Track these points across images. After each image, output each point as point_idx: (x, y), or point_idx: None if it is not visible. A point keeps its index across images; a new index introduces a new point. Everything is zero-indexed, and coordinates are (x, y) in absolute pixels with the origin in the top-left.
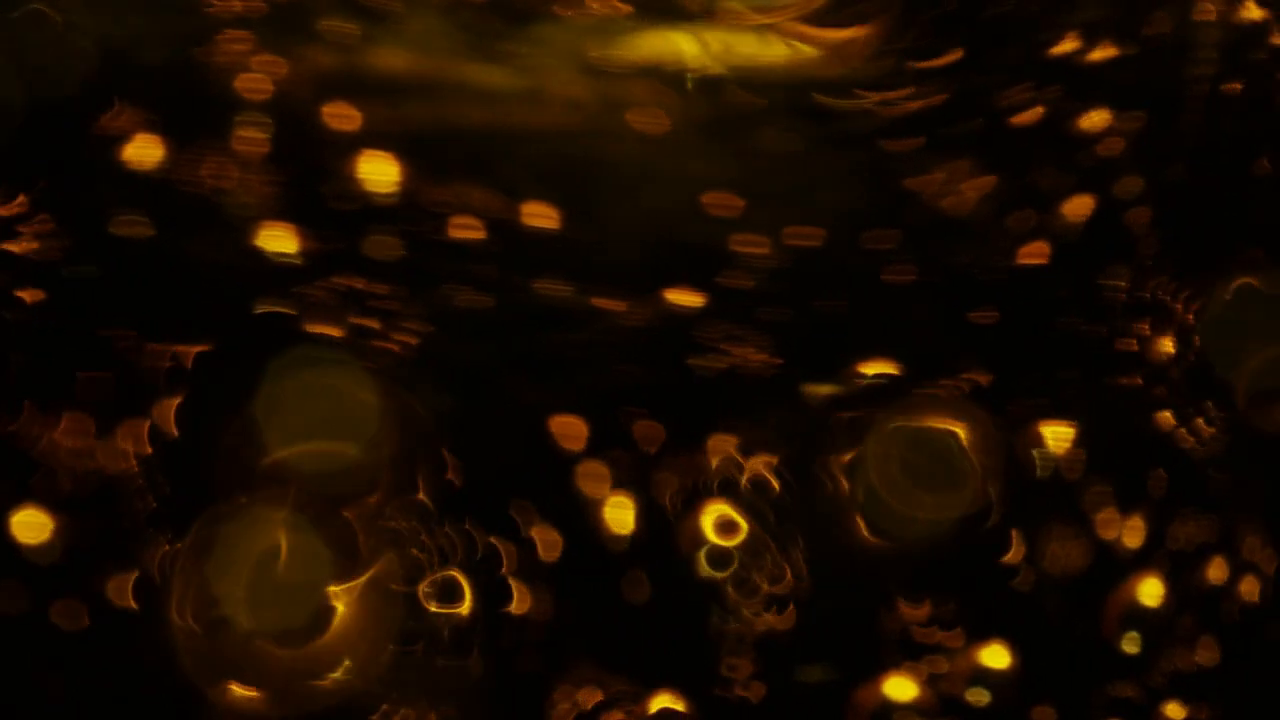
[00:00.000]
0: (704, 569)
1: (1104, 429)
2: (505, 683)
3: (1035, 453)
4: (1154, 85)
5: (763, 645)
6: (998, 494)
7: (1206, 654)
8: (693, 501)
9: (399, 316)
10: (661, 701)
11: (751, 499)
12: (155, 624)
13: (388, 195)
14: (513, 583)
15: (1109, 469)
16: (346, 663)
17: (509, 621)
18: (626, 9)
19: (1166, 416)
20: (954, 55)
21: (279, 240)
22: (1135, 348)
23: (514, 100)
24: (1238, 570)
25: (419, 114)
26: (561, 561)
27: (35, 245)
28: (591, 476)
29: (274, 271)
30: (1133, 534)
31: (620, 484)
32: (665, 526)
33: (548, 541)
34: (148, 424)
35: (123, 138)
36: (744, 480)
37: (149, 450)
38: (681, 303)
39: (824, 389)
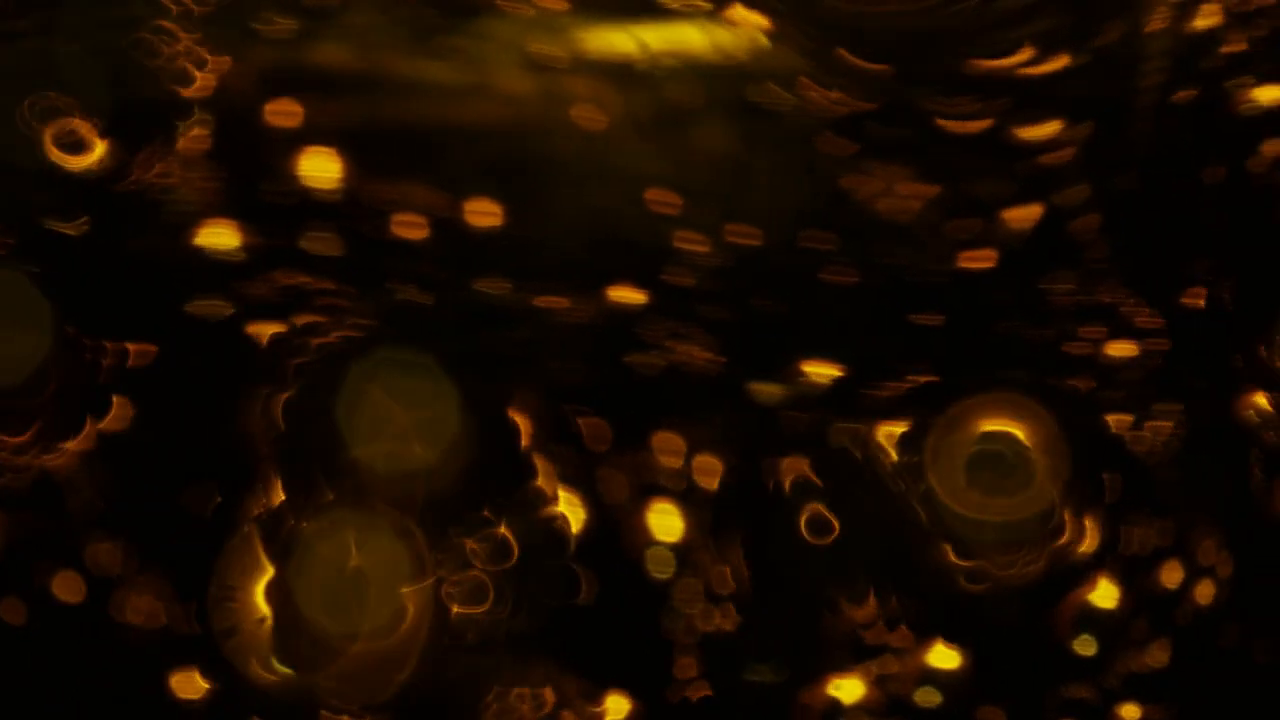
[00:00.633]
0: (650, 568)
1: (1054, 431)
2: (454, 683)
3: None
4: (1102, 94)
5: (710, 646)
6: (1061, 492)
7: (1160, 656)
8: (638, 500)
9: (343, 313)
10: (612, 702)
11: (697, 498)
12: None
13: (330, 192)
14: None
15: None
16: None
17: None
18: (566, 4)
19: (1119, 419)
20: (886, 62)
21: (221, 237)
22: (1087, 351)
23: (456, 96)
24: (1192, 574)
25: (361, 110)
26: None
27: None
28: (538, 478)
29: (216, 269)
30: (1086, 536)
31: (565, 482)
32: (611, 525)
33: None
34: (92, 422)
35: (63, 135)
36: (689, 479)
37: (93, 447)
38: (624, 300)
39: (769, 388)
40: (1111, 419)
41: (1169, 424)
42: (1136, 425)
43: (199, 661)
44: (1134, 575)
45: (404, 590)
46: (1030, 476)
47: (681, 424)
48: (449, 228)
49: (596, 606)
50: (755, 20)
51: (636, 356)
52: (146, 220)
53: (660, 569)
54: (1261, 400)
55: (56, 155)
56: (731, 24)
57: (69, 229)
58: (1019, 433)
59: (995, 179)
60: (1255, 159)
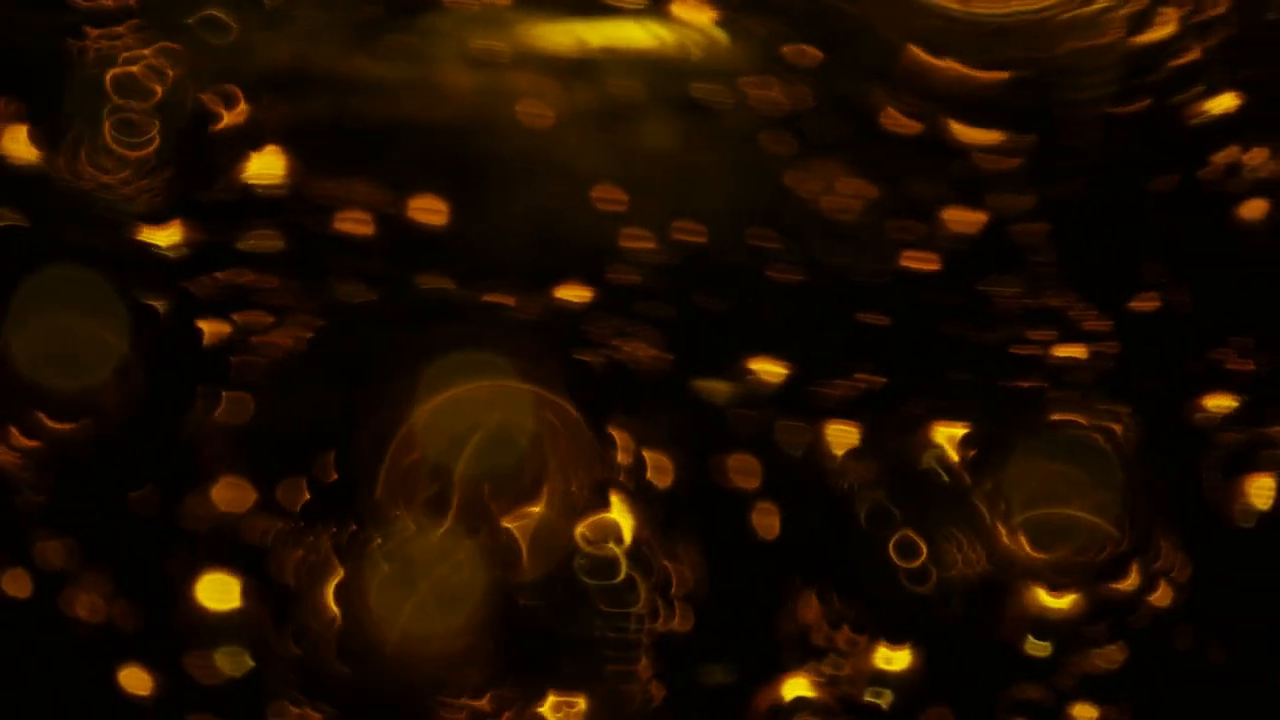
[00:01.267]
0: (595, 569)
1: (1004, 433)
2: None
3: (930, 455)
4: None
5: (659, 646)
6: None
7: (1114, 657)
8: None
9: (288, 311)
10: (551, 702)
11: (645, 496)
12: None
13: (274, 189)
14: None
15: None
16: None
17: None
18: (510, 0)
19: (1072, 420)
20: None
21: (164, 235)
22: (1036, 353)
23: (400, 93)
24: (1147, 575)
25: (305, 107)
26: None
27: None
28: None
29: (160, 266)
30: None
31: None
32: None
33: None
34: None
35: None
36: (637, 477)
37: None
38: (570, 298)
39: (716, 386)
40: (1060, 421)
41: (1120, 426)
42: (1088, 426)
43: (146, 658)
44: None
45: (471, 592)
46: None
47: (629, 422)
48: (394, 225)
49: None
50: (699, 16)
51: (583, 354)
52: (91, 218)
53: (608, 569)
54: (1216, 402)
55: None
56: (675, 20)
57: (8, 224)
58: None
59: (939, 181)
60: (1205, 168)
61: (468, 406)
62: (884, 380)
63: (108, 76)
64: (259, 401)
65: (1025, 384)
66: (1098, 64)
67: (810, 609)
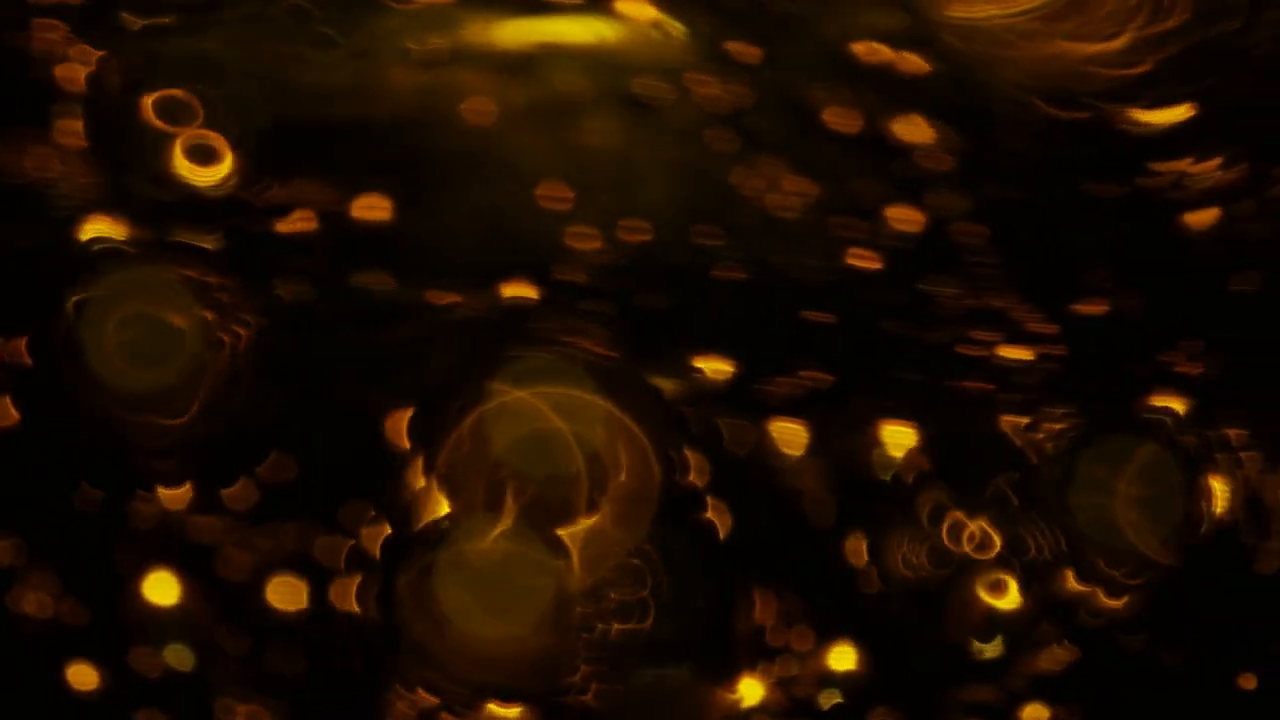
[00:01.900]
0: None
1: (949, 433)
2: (340, 681)
3: (876, 454)
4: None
5: (607, 646)
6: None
7: (1063, 658)
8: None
9: (231, 309)
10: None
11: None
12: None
13: (216, 186)
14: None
15: (955, 473)
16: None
17: (342, 620)
18: None
19: (1015, 421)
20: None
21: (104, 232)
22: (981, 353)
23: (343, 90)
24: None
25: (247, 104)
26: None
27: None
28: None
29: (99, 263)
30: (982, 538)
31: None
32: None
33: (378, 538)
34: None
35: None
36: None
37: None
38: (517, 296)
39: (662, 384)
40: (1008, 421)
41: (1067, 427)
42: (1033, 428)
43: (93, 654)
44: (1035, 578)
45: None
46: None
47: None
48: (337, 223)
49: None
50: (642, 13)
51: (530, 353)
52: (30, 215)
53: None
54: (1165, 405)
55: None
56: (618, 17)
57: None
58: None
59: (881, 179)
60: (1150, 175)
61: (532, 412)
62: (830, 379)
63: (50, 71)
64: (202, 400)
65: (972, 385)
66: (1047, 70)
67: (760, 609)
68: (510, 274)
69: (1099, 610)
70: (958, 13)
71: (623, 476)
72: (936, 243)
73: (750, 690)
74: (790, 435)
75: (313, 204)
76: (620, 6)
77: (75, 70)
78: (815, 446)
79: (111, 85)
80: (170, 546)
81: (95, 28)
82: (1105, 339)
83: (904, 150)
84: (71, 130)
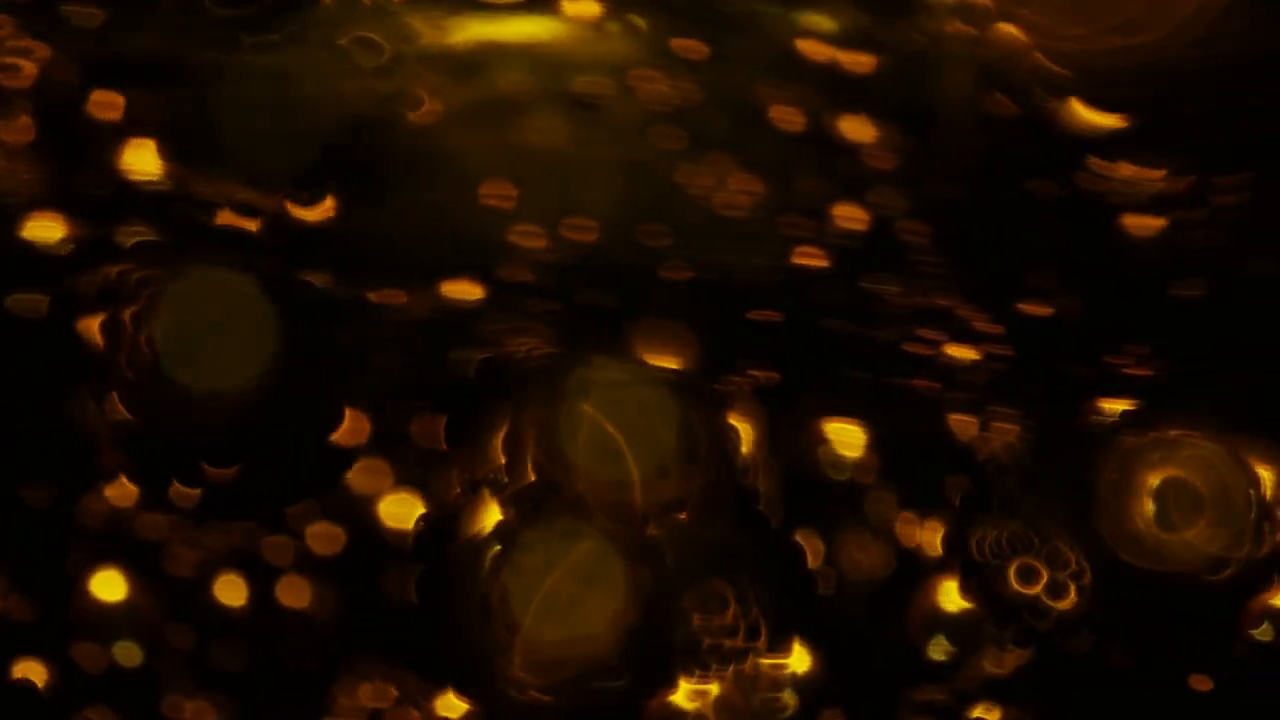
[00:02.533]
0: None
1: (898, 433)
2: (289, 678)
3: (823, 452)
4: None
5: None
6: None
7: (1011, 660)
8: (477, 498)
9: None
10: (447, 701)
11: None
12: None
13: (156, 183)
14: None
15: (907, 473)
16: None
17: (289, 617)
18: None
19: (966, 421)
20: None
21: (45, 230)
22: (927, 352)
23: (287, 88)
24: (1042, 578)
25: (187, 102)
26: (342, 558)
27: None
28: (373, 472)
29: (39, 261)
30: (933, 539)
31: (402, 481)
32: (449, 523)
33: (328, 537)
34: None
35: None
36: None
37: None
38: (461, 296)
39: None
40: (956, 421)
41: (1015, 428)
42: (982, 428)
43: (41, 651)
44: (983, 579)
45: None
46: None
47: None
48: (279, 221)
49: (434, 605)
50: (586, 10)
51: (476, 352)
52: None
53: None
54: (1113, 407)
55: None
56: (562, 15)
57: None
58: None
59: (827, 178)
60: (1089, 175)
61: (622, 410)
62: (777, 377)
63: None
64: (146, 398)
65: (920, 383)
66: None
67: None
68: (454, 273)
69: (1048, 611)
70: None
71: (702, 477)
72: (882, 241)
73: (697, 690)
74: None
75: (254, 203)
76: (564, 4)
77: (20, 67)
78: (763, 445)
79: (58, 82)
80: (119, 544)
81: (41, 24)
82: (1051, 340)
83: (849, 148)
84: (16, 127)
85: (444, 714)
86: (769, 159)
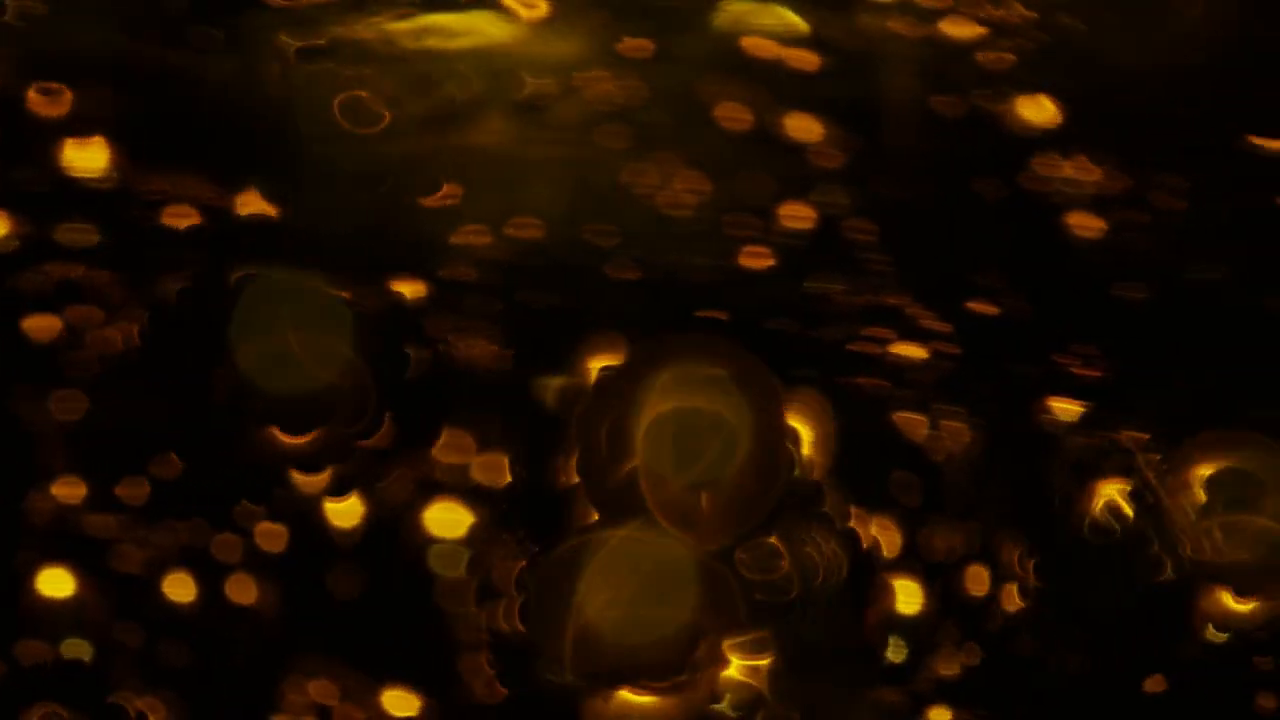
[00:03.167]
0: (434, 566)
1: (847, 431)
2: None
3: None
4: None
5: (497, 645)
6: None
7: (959, 662)
8: (421, 497)
9: (117, 306)
10: (399, 698)
11: (482, 494)
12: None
13: (100, 181)
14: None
15: (855, 472)
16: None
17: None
18: None
19: (914, 419)
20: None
21: None
22: (875, 351)
23: (230, 87)
24: (992, 579)
25: (130, 100)
26: (287, 555)
27: None
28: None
29: None
30: (886, 540)
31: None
32: (393, 522)
33: (271, 534)
34: None
35: None
36: (474, 475)
37: None
38: (406, 294)
39: (554, 382)
40: (904, 420)
41: (964, 427)
42: (932, 427)
43: None
44: (935, 580)
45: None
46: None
47: (467, 420)
48: (221, 219)
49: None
50: (531, 10)
51: (421, 351)
52: None
53: (448, 567)
54: (1062, 407)
55: None
56: (508, 14)
57: None
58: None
59: (771, 176)
60: (1031, 176)
61: (700, 418)
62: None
63: None
64: (92, 397)
65: (867, 382)
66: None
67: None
68: (398, 271)
69: (1001, 612)
70: None
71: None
72: (829, 240)
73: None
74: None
75: (196, 200)
76: (509, 3)
77: None
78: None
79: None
80: (65, 542)
81: None
82: (998, 339)
83: (795, 147)
84: None
85: (390, 710)
86: (715, 158)
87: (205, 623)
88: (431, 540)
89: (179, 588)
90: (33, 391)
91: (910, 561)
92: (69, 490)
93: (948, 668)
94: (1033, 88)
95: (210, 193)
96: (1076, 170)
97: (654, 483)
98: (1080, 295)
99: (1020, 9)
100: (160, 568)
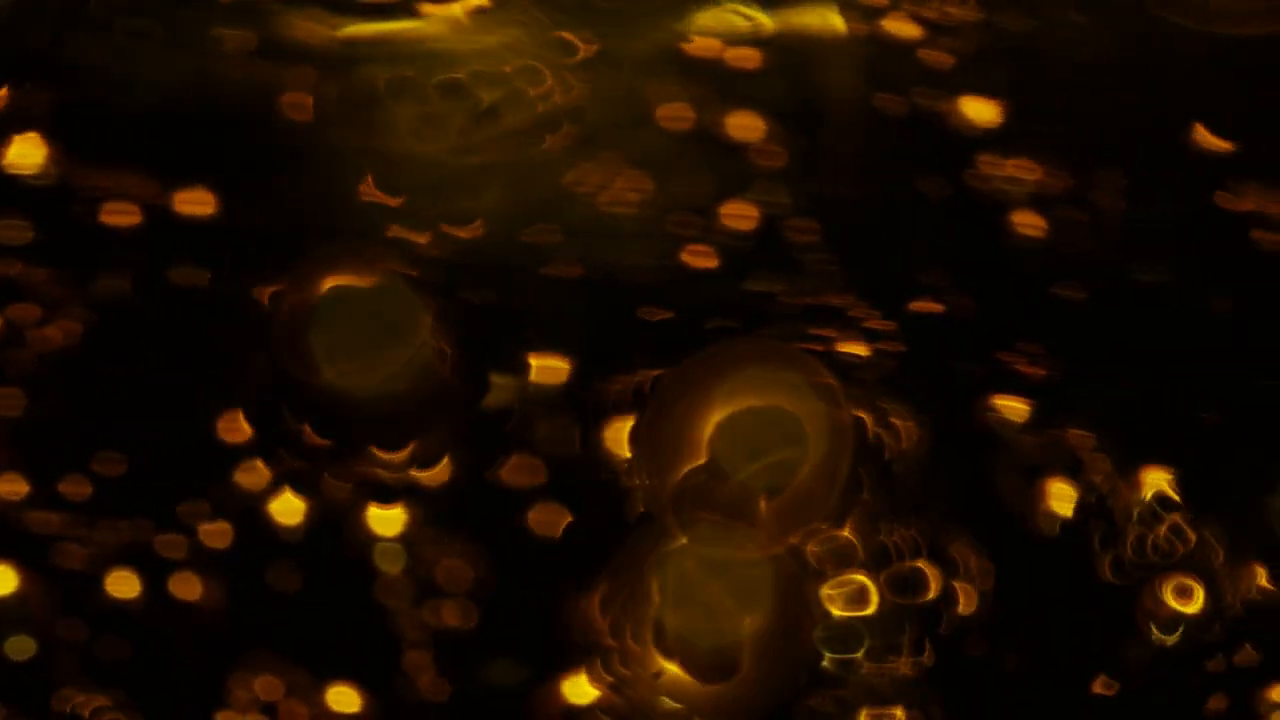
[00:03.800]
0: (378, 564)
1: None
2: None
3: None
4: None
5: (441, 643)
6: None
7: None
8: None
9: (58, 305)
10: (340, 695)
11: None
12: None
13: (36, 178)
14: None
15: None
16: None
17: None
18: None
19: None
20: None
21: None
22: (819, 349)
23: (164, 82)
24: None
25: (69, 94)
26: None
27: None
28: (257, 473)
29: None
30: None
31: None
32: (336, 521)
33: (216, 532)
34: None
35: None
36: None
37: None
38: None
39: (496, 381)
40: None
41: (910, 425)
42: (878, 425)
43: None
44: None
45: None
46: None
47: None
48: (161, 217)
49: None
50: (469, 4)
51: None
52: None
53: (388, 564)
54: (1006, 405)
55: None
56: (446, 9)
57: None
58: None
59: (713, 175)
60: (974, 174)
61: (770, 421)
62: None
63: None
64: (32, 396)
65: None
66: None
67: (595, 610)
68: (339, 270)
69: (950, 614)
70: None
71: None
72: (771, 239)
73: (585, 690)
74: (627, 435)
75: (134, 197)
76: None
77: None
78: None
79: None
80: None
81: None
82: (943, 337)
83: (737, 146)
84: None
85: (335, 707)
86: (656, 156)
87: (150, 620)
88: (373, 538)
89: (122, 585)
90: None
91: (855, 559)
92: (11, 487)
93: (893, 668)
94: (975, 87)
95: (150, 190)
96: (1018, 169)
97: (720, 483)
98: (1024, 293)
99: (960, 8)
100: (104, 564)
